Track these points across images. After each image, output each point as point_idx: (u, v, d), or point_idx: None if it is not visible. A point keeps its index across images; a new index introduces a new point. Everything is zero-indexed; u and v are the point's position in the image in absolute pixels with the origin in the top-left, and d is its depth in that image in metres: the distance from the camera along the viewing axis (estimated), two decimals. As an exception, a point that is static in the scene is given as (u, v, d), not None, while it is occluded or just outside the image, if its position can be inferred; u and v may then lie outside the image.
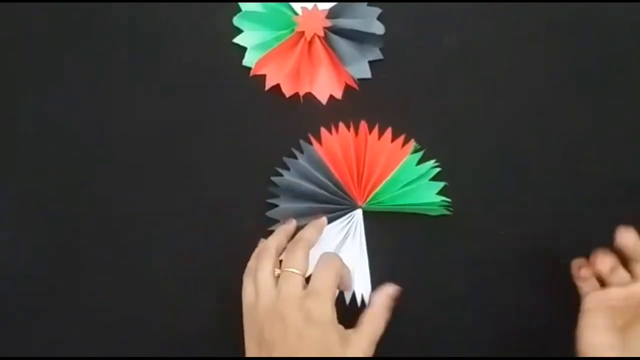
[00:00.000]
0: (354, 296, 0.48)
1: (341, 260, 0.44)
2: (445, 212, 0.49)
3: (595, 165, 0.51)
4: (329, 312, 0.40)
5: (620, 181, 0.50)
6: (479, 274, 0.49)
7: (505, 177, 0.51)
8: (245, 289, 0.43)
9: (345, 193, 0.49)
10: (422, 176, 0.49)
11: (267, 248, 0.44)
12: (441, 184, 0.49)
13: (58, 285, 0.50)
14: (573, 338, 0.45)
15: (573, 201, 0.50)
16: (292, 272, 0.42)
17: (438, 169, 0.50)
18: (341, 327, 0.41)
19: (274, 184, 0.50)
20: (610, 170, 0.51)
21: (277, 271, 0.43)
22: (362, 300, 0.47)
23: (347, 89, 0.52)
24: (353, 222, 0.48)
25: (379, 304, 0.43)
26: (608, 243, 0.42)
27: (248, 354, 0.42)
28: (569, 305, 0.48)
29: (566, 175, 0.51)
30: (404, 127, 0.50)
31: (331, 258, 0.43)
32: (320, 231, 0.47)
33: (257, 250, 0.46)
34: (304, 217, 0.48)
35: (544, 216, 0.50)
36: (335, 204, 0.49)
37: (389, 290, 0.43)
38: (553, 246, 0.50)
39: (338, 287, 0.44)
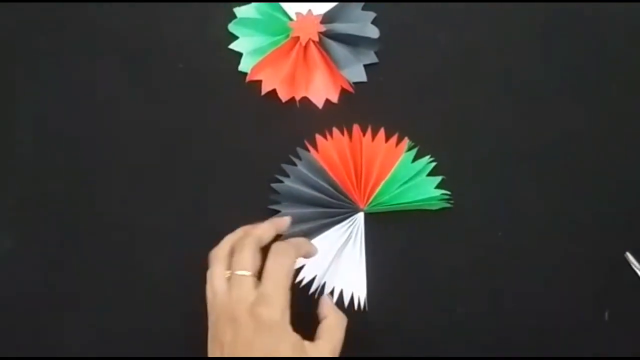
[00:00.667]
0: (348, 297, 0.48)
1: (294, 245, 0.43)
2: (446, 205, 0.49)
3: (591, 162, 0.51)
4: (278, 317, 0.39)
5: (616, 177, 0.51)
6: (484, 266, 0.49)
7: (501, 167, 0.51)
8: (206, 289, 0.42)
9: (347, 197, 0.49)
10: (419, 172, 0.50)
11: (220, 247, 0.43)
12: (439, 178, 0.50)
13: (57, 288, 0.50)
14: (574, 334, 0.45)
15: (565, 188, 0.51)
16: (241, 274, 0.41)
17: (434, 164, 0.50)
18: (296, 336, 0.40)
19: (274, 190, 0.50)
20: (607, 165, 0.51)
21: (227, 273, 0.42)
22: (359, 304, 0.48)
23: (343, 92, 0.52)
24: (354, 226, 0.49)
25: (333, 315, 0.43)
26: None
27: (209, 352, 0.41)
28: (573, 297, 0.49)
29: (558, 171, 0.51)
30: (399, 128, 0.51)
31: (281, 249, 0.42)
32: (276, 229, 0.45)
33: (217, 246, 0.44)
34: (307, 222, 0.49)
35: (538, 202, 0.50)
36: (337, 208, 0.49)
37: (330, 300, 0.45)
38: (552, 233, 0.50)
39: (305, 256, 0.44)
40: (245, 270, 0.41)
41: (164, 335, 0.49)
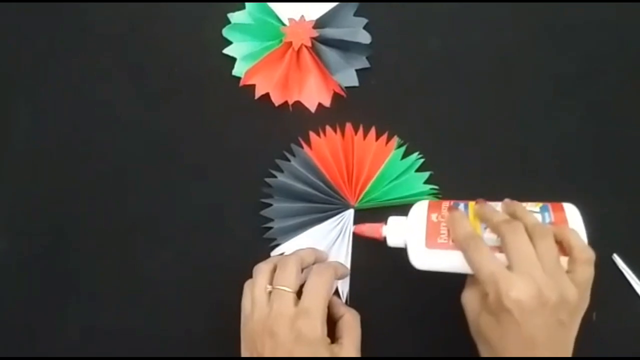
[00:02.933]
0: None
1: (333, 267, 0.45)
2: (435, 199, 0.50)
3: (579, 162, 0.52)
4: (318, 331, 0.41)
5: (604, 178, 0.52)
6: None
7: (489, 166, 0.52)
8: (244, 298, 0.44)
9: (338, 193, 0.50)
10: (408, 169, 0.51)
11: (265, 262, 0.45)
12: (427, 174, 0.51)
13: (56, 289, 0.50)
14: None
15: (552, 188, 0.51)
16: (283, 289, 0.42)
17: (422, 160, 0.51)
18: (330, 347, 0.42)
19: (267, 185, 0.51)
20: (595, 166, 0.52)
21: (269, 287, 0.43)
22: (342, 297, 0.49)
23: (335, 96, 0.53)
24: (344, 222, 0.50)
25: (348, 312, 0.45)
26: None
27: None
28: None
29: (545, 172, 0.52)
30: (389, 129, 0.52)
31: (322, 269, 0.44)
32: (316, 257, 0.47)
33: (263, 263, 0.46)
34: (298, 216, 0.50)
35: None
36: (328, 204, 0.50)
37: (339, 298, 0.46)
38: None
39: (340, 277, 0.46)
40: (287, 287, 0.42)
41: (164, 335, 0.49)
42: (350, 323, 0.45)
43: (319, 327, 0.41)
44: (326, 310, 0.42)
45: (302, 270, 0.44)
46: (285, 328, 0.41)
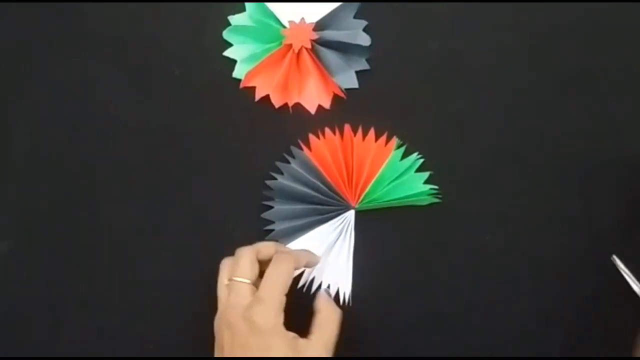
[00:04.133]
0: (334, 292, 0.49)
1: (292, 256, 0.44)
2: (435, 199, 0.50)
3: (578, 164, 0.52)
4: (271, 319, 0.40)
5: (604, 179, 0.52)
6: (470, 266, 0.50)
7: (490, 168, 0.52)
8: None
9: (338, 195, 0.50)
10: (407, 169, 0.51)
11: (228, 257, 0.45)
12: (426, 174, 0.51)
13: (56, 289, 0.51)
14: (560, 337, 0.46)
15: (552, 190, 0.52)
16: (238, 281, 0.43)
17: (422, 160, 0.51)
18: (290, 334, 0.41)
19: (268, 187, 0.51)
20: (595, 167, 0.52)
21: (226, 281, 0.44)
22: (344, 299, 0.49)
23: (335, 98, 0.53)
24: (345, 224, 0.50)
25: (326, 308, 0.44)
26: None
27: (215, 355, 0.43)
28: (560, 299, 0.49)
29: (545, 172, 0.52)
30: (390, 131, 0.52)
31: (280, 259, 0.44)
32: (276, 248, 0.46)
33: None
34: (299, 218, 0.50)
35: (525, 203, 0.52)
36: (328, 205, 0.50)
37: (326, 293, 0.46)
38: (538, 236, 0.51)
39: (306, 265, 0.46)
40: (242, 277, 0.42)
41: (164, 335, 0.50)
42: (325, 319, 0.44)
43: (272, 315, 0.40)
44: (283, 299, 0.42)
45: (267, 262, 0.44)
46: (239, 318, 0.41)
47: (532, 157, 0.52)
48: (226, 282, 0.44)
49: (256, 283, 0.43)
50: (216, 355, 0.43)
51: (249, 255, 0.44)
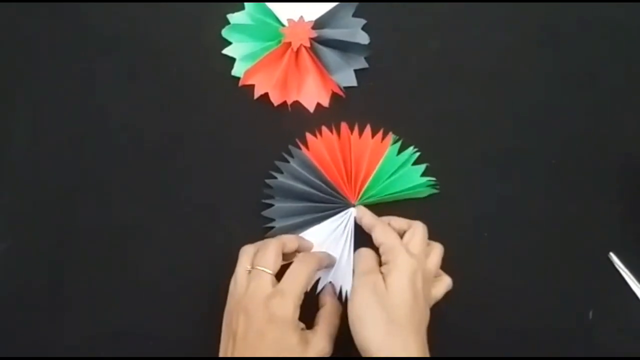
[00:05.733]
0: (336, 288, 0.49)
1: (318, 257, 0.46)
2: (433, 190, 0.51)
3: (576, 162, 0.52)
4: (290, 312, 0.42)
5: (601, 178, 0.52)
6: (475, 248, 0.51)
7: (485, 160, 0.53)
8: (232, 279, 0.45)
9: (338, 192, 0.50)
10: (404, 163, 0.51)
11: (250, 245, 0.46)
12: (423, 166, 0.51)
13: (56, 288, 0.51)
14: (558, 333, 0.46)
15: (550, 188, 0.52)
16: (261, 270, 0.43)
17: (418, 154, 0.52)
18: (300, 325, 0.43)
19: (268, 186, 0.52)
20: (592, 166, 0.53)
21: (249, 267, 0.44)
22: (346, 295, 0.49)
23: (334, 96, 0.54)
24: (345, 221, 0.50)
25: (330, 302, 0.46)
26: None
27: (222, 339, 0.44)
28: (558, 296, 0.49)
29: (542, 170, 0.52)
30: (387, 128, 0.52)
31: (306, 257, 0.45)
32: (300, 244, 0.48)
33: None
34: (300, 215, 0.50)
35: (522, 202, 0.52)
36: (328, 203, 0.50)
37: (332, 288, 0.48)
38: (535, 234, 0.51)
39: (326, 267, 0.47)
40: (265, 267, 0.43)
41: (164, 334, 0.49)
42: (330, 312, 0.46)
43: (291, 308, 0.42)
44: (302, 296, 0.43)
45: (288, 255, 0.46)
46: (259, 306, 0.41)
47: (529, 154, 0.52)
48: (248, 268, 0.44)
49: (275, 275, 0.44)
50: (223, 338, 0.43)
51: (276, 247, 0.45)
